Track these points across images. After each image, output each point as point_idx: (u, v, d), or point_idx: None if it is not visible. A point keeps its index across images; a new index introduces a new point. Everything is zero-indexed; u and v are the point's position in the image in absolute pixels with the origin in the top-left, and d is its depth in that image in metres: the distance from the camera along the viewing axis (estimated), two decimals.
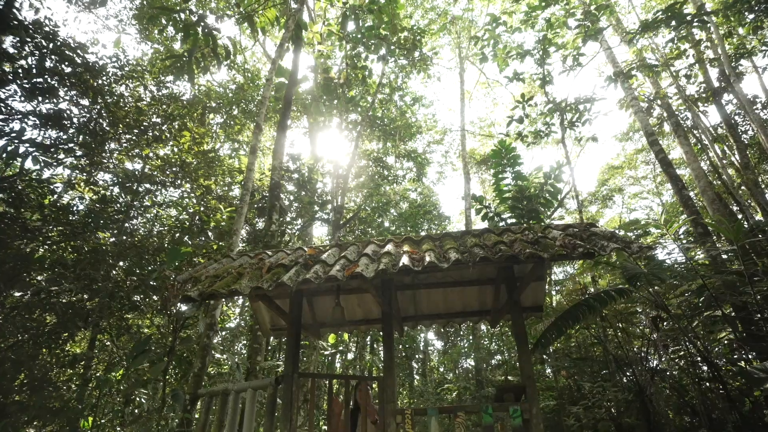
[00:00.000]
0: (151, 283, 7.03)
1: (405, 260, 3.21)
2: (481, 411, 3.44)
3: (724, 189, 10.56)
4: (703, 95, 12.21)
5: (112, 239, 7.64)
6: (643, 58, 12.33)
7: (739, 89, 9.76)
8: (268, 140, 13.77)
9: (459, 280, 4.53)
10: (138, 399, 6.83)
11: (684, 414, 6.96)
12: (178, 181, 9.14)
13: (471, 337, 14.63)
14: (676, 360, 6.62)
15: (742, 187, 11.81)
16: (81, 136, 8.37)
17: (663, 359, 6.74)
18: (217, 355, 9.53)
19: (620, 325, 7.30)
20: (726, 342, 6.29)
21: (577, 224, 3.79)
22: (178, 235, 8.37)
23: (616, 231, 3.86)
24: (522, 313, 3.94)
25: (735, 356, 6.37)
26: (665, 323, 6.28)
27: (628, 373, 6.93)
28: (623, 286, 4.87)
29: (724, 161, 11.79)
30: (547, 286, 6.92)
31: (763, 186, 11.37)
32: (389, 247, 3.71)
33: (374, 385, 4.80)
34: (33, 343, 6.55)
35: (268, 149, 13.12)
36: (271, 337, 8.61)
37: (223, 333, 10.78)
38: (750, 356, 5.78)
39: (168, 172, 7.96)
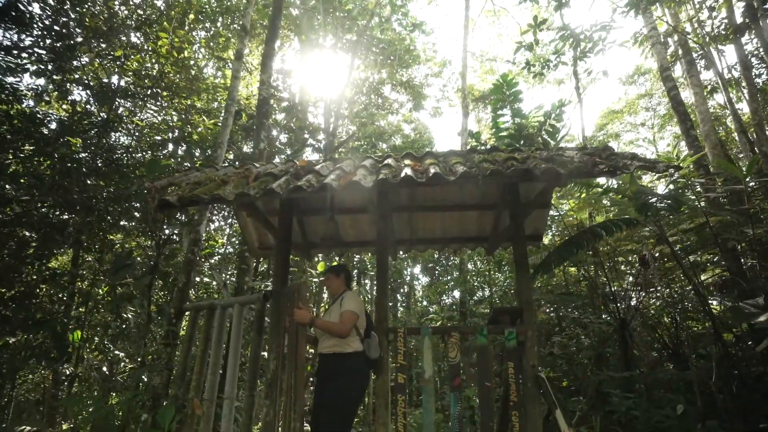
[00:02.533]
0: (133, 204, 6.68)
1: (408, 171, 2.91)
2: (476, 332, 3.36)
3: (738, 128, 10.28)
4: (723, 32, 11.45)
5: (85, 154, 7.12)
6: None
7: (765, 25, 9.08)
8: (255, 58, 12.71)
9: (458, 204, 4.30)
10: (125, 315, 6.78)
11: (653, 350, 7.30)
12: (158, 97, 8.42)
13: (456, 273, 14.93)
14: (661, 297, 6.74)
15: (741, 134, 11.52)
16: (47, 40, 7.54)
17: (648, 296, 6.86)
18: (206, 279, 9.47)
19: (608, 263, 7.35)
20: (704, 285, 6.40)
21: (593, 147, 3.50)
22: (162, 156, 7.88)
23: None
24: (524, 239, 3.76)
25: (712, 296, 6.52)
26: (656, 262, 6.29)
27: (611, 308, 7.09)
28: (630, 217, 4.72)
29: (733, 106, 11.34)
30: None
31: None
32: (389, 161, 3.39)
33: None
34: (15, 258, 6.29)
35: (255, 68, 12.13)
36: (260, 258, 8.52)
37: (212, 260, 10.64)
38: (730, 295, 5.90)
39: (146, 82, 7.24)
